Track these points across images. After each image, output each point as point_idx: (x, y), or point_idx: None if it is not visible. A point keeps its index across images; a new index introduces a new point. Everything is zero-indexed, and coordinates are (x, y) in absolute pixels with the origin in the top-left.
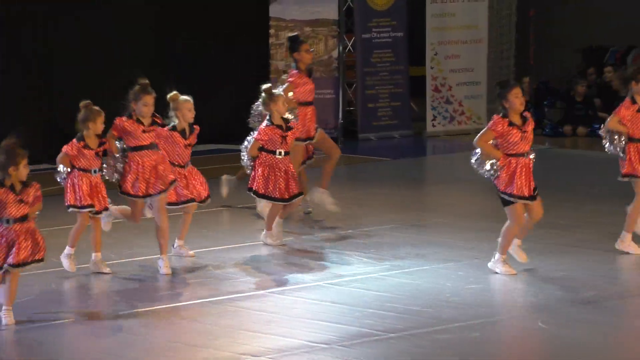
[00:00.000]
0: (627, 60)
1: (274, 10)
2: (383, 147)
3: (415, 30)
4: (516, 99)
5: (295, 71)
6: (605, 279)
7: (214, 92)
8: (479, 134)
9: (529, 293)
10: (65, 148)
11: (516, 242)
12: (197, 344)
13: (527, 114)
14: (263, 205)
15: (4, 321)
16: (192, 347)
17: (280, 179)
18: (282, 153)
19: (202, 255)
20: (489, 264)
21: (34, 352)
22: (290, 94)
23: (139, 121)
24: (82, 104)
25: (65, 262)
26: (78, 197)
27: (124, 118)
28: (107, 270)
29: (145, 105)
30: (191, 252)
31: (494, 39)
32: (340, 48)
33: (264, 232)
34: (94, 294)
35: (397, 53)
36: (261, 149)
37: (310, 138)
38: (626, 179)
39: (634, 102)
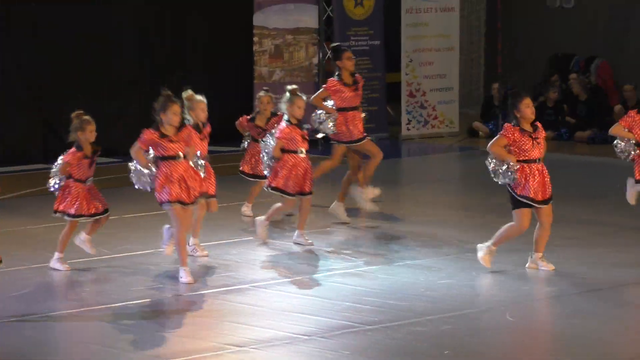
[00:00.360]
0: (590, 68)
1: (257, 19)
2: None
3: (391, 39)
4: (527, 109)
5: (334, 79)
6: (569, 275)
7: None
8: (492, 141)
9: (498, 288)
10: (66, 158)
11: (537, 255)
12: (182, 335)
13: (538, 123)
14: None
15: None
16: (178, 337)
17: (300, 178)
18: (304, 151)
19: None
20: (478, 245)
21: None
22: (331, 102)
23: (163, 135)
24: (73, 114)
25: (58, 265)
26: (74, 206)
27: (152, 130)
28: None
29: (175, 114)
30: (205, 252)
31: (465, 48)
32: (320, 55)
33: (296, 232)
34: (86, 289)
35: (374, 60)
36: (283, 149)
37: (354, 141)
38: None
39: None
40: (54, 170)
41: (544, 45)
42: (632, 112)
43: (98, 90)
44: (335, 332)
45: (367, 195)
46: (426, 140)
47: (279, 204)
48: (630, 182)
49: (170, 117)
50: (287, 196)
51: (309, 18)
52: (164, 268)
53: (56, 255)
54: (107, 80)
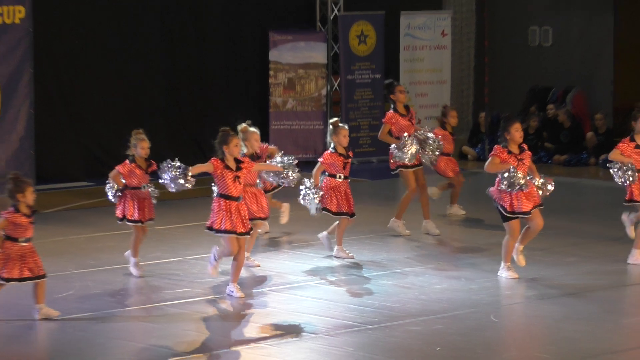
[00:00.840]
0: (566, 99)
1: (272, 55)
2: (363, 169)
3: (391, 73)
4: (517, 132)
5: (390, 111)
6: (547, 281)
7: (222, 122)
8: (486, 163)
9: (484, 293)
10: (117, 167)
11: (518, 247)
12: (206, 333)
13: (525, 145)
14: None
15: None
16: (203, 335)
17: (342, 198)
18: (342, 177)
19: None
20: (499, 271)
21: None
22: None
23: (227, 167)
24: (133, 132)
25: (134, 270)
26: (129, 212)
27: (219, 160)
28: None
29: (236, 146)
30: (257, 263)
31: (455, 81)
32: (328, 87)
33: (335, 248)
34: (125, 291)
35: (375, 91)
36: (323, 172)
37: (416, 165)
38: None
39: (632, 139)
40: (109, 184)
41: (526, 78)
42: (626, 140)
43: (132, 116)
44: (340, 331)
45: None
46: None
47: (336, 222)
48: (624, 216)
49: (232, 149)
50: (335, 215)
51: (318, 54)
52: (192, 275)
53: (132, 261)
54: (139, 107)
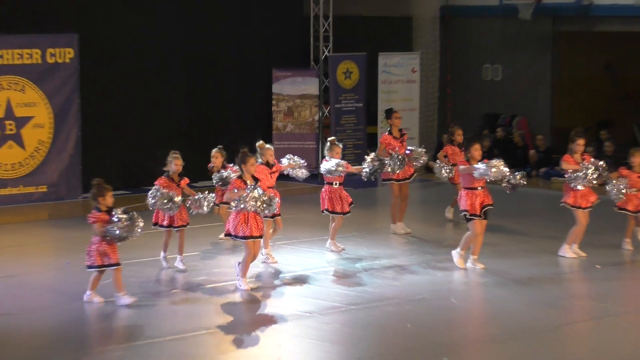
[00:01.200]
0: (512, 123)
1: (275, 88)
2: (348, 181)
3: (371, 102)
4: (476, 151)
5: (386, 134)
6: (498, 271)
7: (231, 143)
8: (462, 170)
9: (446, 280)
10: (157, 182)
11: (473, 257)
12: (223, 313)
13: (486, 160)
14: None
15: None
16: (221, 315)
17: (339, 201)
18: (338, 184)
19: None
20: (452, 252)
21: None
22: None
23: (245, 182)
24: (170, 152)
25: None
26: (160, 219)
27: (239, 180)
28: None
29: (252, 165)
30: (275, 260)
31: (423, 108)
32: (320, 114)
33: (328, 241)
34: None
35: (358, 117)
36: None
37: (404, 179)
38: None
39: (571, 156)
40: (152, 193)
41: (480, 106)
42: (567, 156)
43: (160, 137)
44: (329, 311)
45: (398, 228)
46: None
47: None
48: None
49: (249, 168)
50: (335, 215)
51: (312, 87)
52: (218, 268)
53: (178, 257)
54: (166, 130)
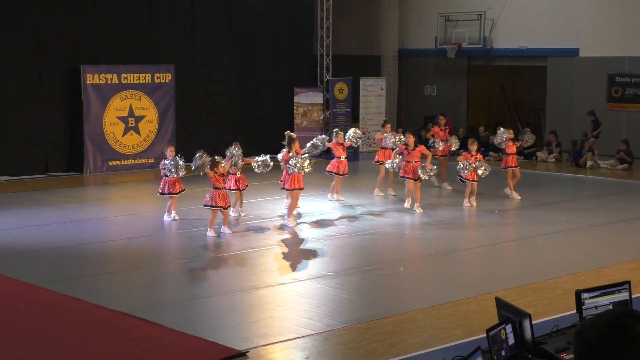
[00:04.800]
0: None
1: (296, 99)
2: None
3: (355, 108)
4: (409, 139)
5: (379, 134)
6: (437, 241)
7: (268, 133)
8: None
9: (396, 250)
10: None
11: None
12: (247, 274)
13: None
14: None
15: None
16: (247, 275)
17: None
18: (343, 157)
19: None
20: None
21: None
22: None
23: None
24: (234, 143)
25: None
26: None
27: (288, 154)
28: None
29: (297, 145)
30: (296, 222)
31: (387, 113)
32: (323, 115)
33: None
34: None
35: (348, 118)
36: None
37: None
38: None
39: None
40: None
41: (422, 110)
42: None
43: (224, 129)
44: (316, 277)
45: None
46: (368, 153)
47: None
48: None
49: (296, 147)
50: (336, 175)
51: (318, 98)
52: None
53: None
54: (228, 124)
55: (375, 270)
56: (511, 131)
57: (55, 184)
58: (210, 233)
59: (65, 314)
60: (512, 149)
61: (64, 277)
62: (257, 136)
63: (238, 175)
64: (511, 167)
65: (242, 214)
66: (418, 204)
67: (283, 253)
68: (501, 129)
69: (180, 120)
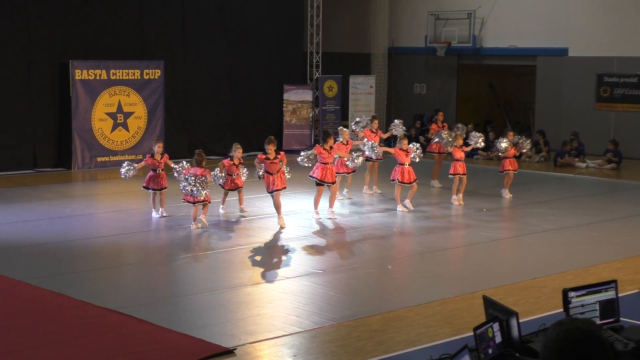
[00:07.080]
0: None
1: (285, 96)
2: None
3: (345, 105)
4: (404, 141)
5: (366, 130)
6: (421, 242)
7: (257, 130)
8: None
9: (384, 248)
10: (224, 161)
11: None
12: (245, 269)
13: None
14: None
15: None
16: (245, 271)
17: (340, 166)
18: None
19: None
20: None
21: None
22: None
23: (325, 149)
24: (234, 144)
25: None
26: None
27: (322, 147)
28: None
29: (331, 140)
30: (335, 217)
31: (376, 111)
32: (313, 113)
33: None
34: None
35: (337, 116)
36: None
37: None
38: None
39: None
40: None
41: (412, 108)
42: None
43: (214, 126)
44: (304, 275)
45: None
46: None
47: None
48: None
49: (329, 143)
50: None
51: (308, 96)
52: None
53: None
54: (219, 120)
55: (364, 268)
56: (511, 134)
57: (43, 180)
58: (193, 226)
59: (53, 310)
60: (510, 152)
61: (52, 273)
62: (246, 133)
63: (234, 176)
64: (508, 170)
65: (245, 211)
66: (409, 200)
67: (271, 250)
68: (500, 138)
69: (169, 116)
